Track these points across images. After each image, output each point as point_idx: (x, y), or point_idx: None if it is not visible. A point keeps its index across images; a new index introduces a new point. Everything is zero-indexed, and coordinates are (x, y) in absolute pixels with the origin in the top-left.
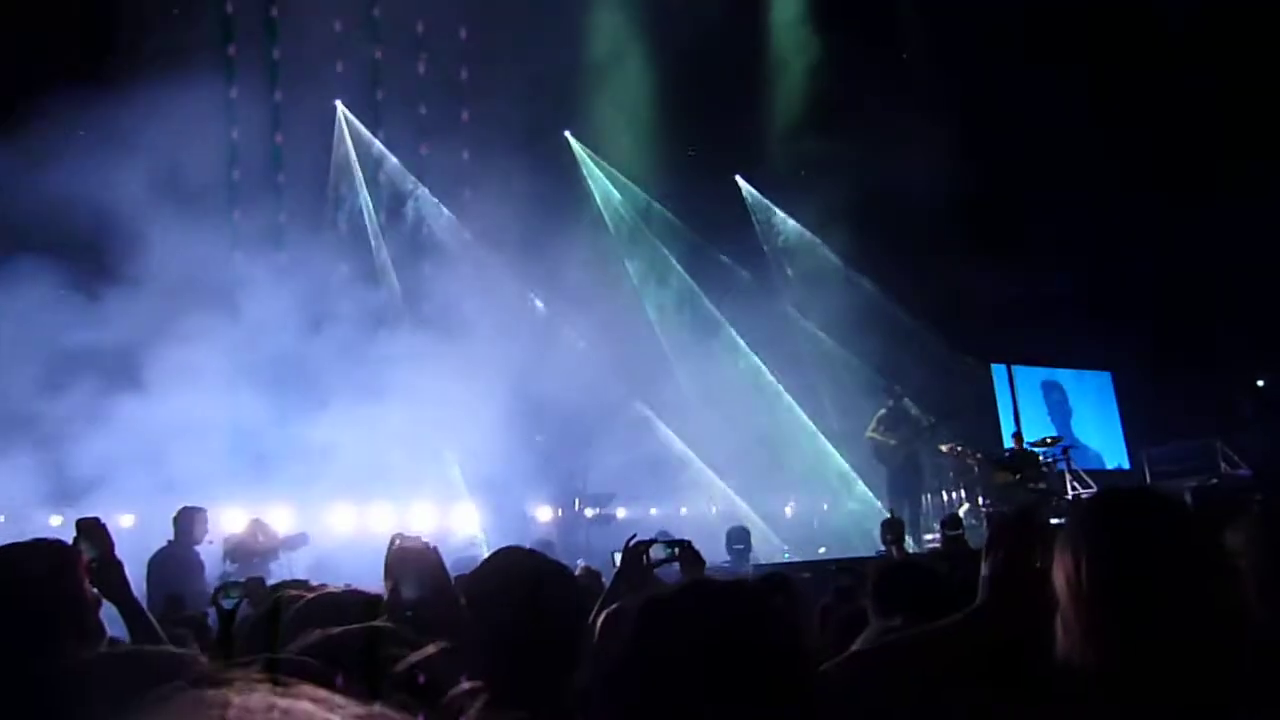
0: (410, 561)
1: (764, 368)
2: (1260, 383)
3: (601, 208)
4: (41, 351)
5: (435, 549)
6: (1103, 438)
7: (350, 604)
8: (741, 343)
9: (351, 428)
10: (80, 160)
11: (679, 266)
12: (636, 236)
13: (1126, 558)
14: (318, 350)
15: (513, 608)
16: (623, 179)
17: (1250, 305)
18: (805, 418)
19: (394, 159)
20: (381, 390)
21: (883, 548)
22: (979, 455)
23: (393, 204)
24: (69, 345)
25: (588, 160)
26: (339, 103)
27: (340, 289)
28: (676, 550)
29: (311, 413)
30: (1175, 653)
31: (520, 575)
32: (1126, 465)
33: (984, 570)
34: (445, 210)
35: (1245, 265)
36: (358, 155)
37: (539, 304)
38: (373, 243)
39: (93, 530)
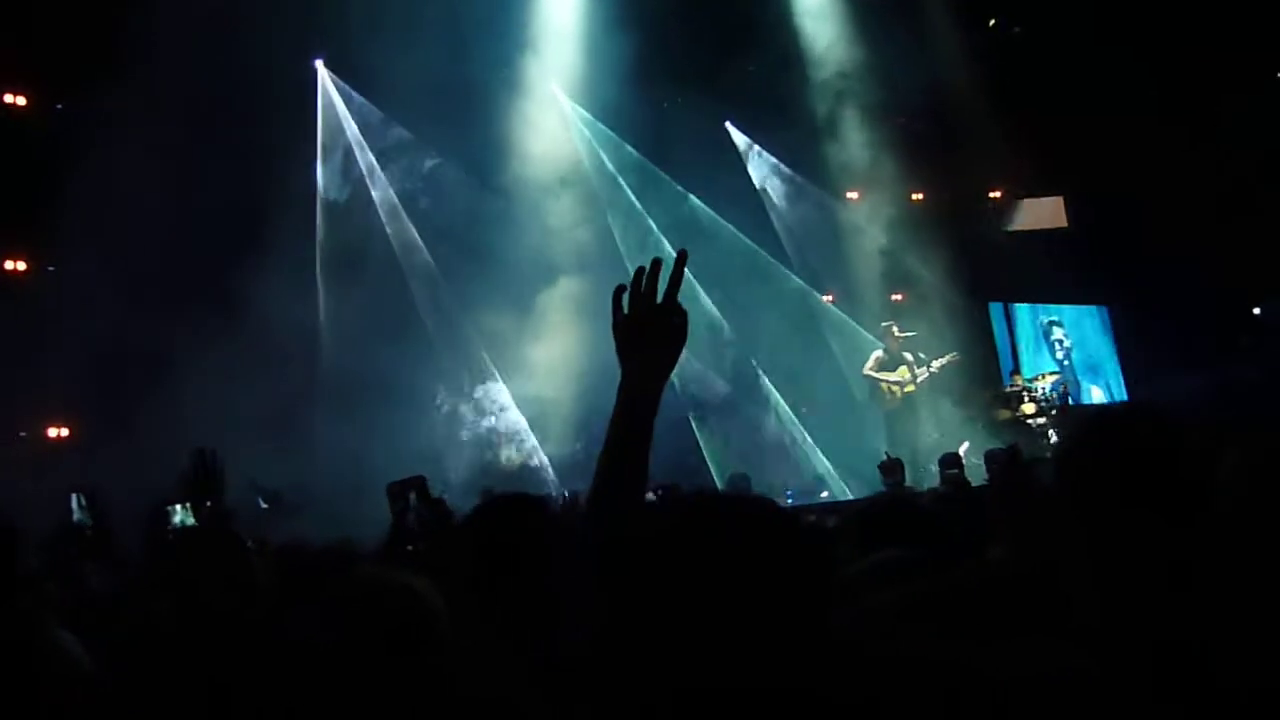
0: (405, 494)
1: (725, 323)
2: (1256, 311)
3: (586, 161)
4: None
5: (423, 478)
6: (1101, 372)
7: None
8: (702, 293)
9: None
10: None
11: (652, 223)
12: (621, 192)
13: (1106, 473)
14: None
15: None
16: (606, 130)
17: (1245, 234)
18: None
19: (382, 115)
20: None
21: (884, 489)
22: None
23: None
24: None
25: (571, 114)
26: (320, 62)
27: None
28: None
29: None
30: (1149, 573)
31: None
32: (1124, 398)
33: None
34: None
35: (1239, 193)
36: (347, 116)
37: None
38: (381, 210)
39: (92, 496)
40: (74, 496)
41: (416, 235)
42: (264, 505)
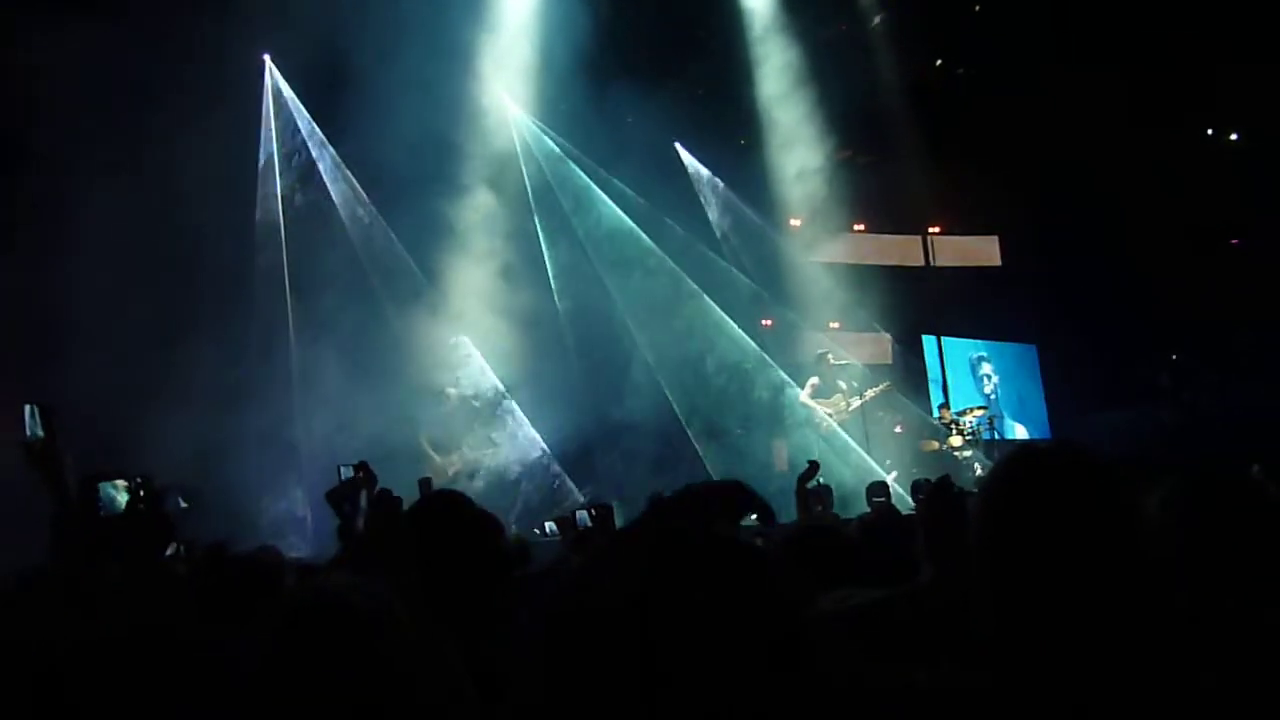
0: (355, 497)
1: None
2: (1174, 357)
3: (524, 166)
4: None
5: (360, 475)
6: (1027, 408)
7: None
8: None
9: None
10: None
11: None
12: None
13: (1022, 508)
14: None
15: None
16: (550, 141)
17: (1167, 283)
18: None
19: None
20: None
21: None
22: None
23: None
24: None
25: (517, 120)
26: (267, 56)
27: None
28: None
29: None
30: (1060, 611)
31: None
32: (1048, 435)
33: (922, 546)
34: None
35: (1164, 243)
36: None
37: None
38: (344, 215)
39: (46, 410)
40: (27, 408)
41: (382, 231)
42: (183, 504)
